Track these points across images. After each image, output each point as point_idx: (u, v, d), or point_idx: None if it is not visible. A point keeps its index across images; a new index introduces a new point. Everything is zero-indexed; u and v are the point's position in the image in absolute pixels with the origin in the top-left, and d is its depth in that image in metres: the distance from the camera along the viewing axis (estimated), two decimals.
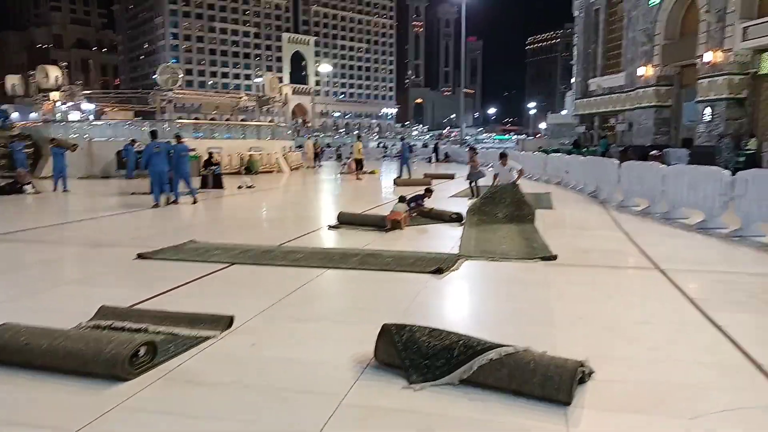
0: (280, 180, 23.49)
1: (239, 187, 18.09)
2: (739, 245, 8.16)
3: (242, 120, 33.71)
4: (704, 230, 9.28)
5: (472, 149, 17.16)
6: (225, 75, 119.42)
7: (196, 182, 18.27)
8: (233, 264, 6.81)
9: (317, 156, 34.16)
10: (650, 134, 28.30)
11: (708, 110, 23.91)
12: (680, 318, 4.74)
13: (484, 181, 14.49)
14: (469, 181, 15.00)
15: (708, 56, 23.49)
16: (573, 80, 39.17)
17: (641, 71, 28.31)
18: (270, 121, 34.11)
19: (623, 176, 13.30)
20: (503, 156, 11.62)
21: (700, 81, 24.36)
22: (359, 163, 23.28)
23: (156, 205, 13.02)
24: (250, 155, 25.74)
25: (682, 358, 3.84)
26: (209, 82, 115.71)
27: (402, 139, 27.23)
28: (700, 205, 9.90)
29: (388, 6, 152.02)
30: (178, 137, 14.55)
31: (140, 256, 7.24)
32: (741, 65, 22.96)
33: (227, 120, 31.01)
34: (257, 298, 5.30)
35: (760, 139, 22.27)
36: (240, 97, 35.83)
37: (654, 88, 27.87)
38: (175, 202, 13.68)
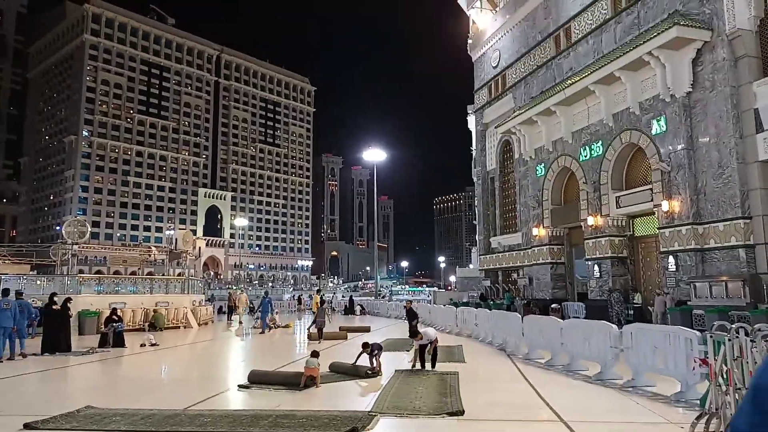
0: (188, 336, 22.40)
1: (142, 345, 17.07)
2: (632, 395, 8.74)
3: (149, 273, 32.69)
4: (601, 381, 9.88)
5: (323, 301, 20.78)
6: (135, 228, 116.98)
7: (94, 340, 17.13)
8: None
9: (231, 310, 33.05)
10: (549, 288, 30.37)
11: (596, 267, 26.39)
12: None
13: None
14: (315, 324, 18.81)
15: (590, 220, 26.54)
16: (477, 237, 42.17)
17: (535, 231, 31.19)
18: (179, 275, 33.33)
19: (527, 329, 14.07)
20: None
21: (586, 241, 27.17)
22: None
23: None
24: (155, 310, 24.63)
25: None
26: (117, 235, 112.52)
27: (266, 293, 27.75)
28: (595, 356, 10.63)
29: (305, 167, 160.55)
30: (18, 293, 14.79)
31: (27, 426, 6.58)
32: (619, 228, 26.05)
33: (132, 274, 29.98)
34: None
35: (643, 294, 24.62)
36: (149, 251, 35.10)
37: (547, 246, 30.57)
38: (23, 355, 13.65)
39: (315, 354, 10.09)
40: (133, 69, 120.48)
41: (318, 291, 28.20)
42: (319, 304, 22.20)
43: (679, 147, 21.47)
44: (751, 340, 5.67)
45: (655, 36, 21.28)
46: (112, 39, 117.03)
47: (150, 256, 34.36)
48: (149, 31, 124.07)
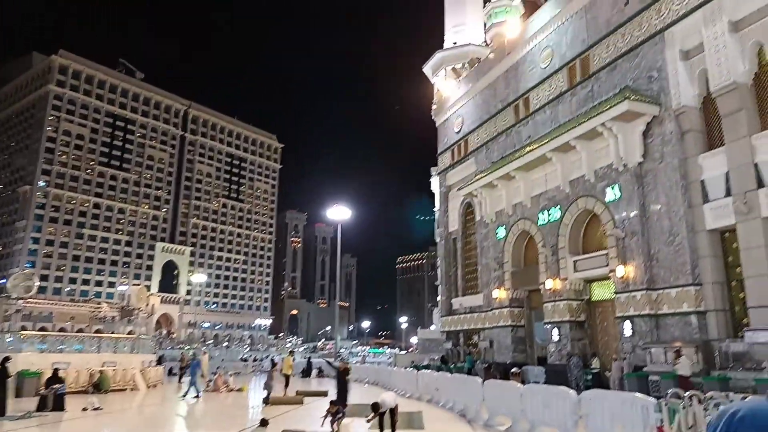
0: (135, 399, 21.19)
1: (84, 409, 16.02)
2: None
3: (97, 331, 31.18)
4: None
5: (274, 364, 20.31)
6: (86, 282, 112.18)
7: (33, 403, 16.00)
8: None
9: (183, 370, 31.54)
10: (509, 351, 30.26)
11: (555, 331, 26.55)
12: None
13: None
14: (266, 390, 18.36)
15: (549, 284, 26.92)
16: (439, 298, 42.11)
17: (496, 293, 31.38)
18: (129, 333, 31.92)
19: (487, 395, 13.87)
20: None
21: (545, 304, 27.45)
22: (287, 379, 21.79)
23: None
24: (101, 371, 23.32)
25: None
26: (66, 289, 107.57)
27: (193, 357, 26.28)
28: (555, 423, 10.50)
29: (268, 223, 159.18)
30: None
31: None
32: (576, 292, 26.47)
33: (79, 331, 28.56)
34: None
35: (602, 359, 24.77)
36: (99, 307, 33.65)
37: (508, 308, 30.71)
38: None
39: (263, 423, 9.55)
40: (98, 120, 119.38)
41: (291, 352, 27.33)
42: (291, 368, 21.71)
43: (633, 214, 22.31)
44: (704, 409, 5.73)
45: (607, 109, 22.50)
46: (78, 90, 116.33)
47: (100, 312, 32.88)
48: (117, 84, 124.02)
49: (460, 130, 38.77)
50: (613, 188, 23.35)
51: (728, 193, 19.21)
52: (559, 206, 26.71)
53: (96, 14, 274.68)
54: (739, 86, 18.97)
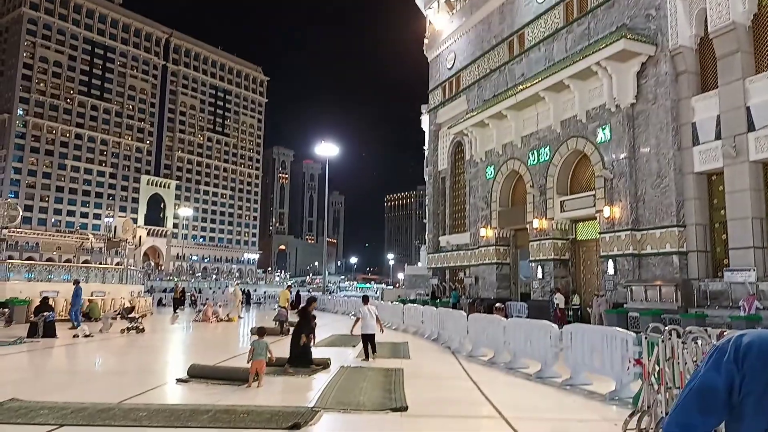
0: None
1: (75, 336, 16.29)
2: (570, 393, 9.01)
3: (85, 261, 31.27)
4: (541, 379, 10.14)
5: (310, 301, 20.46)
6: (71, 213, 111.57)
7: (24, 330, 16.22)
8: (63, 426, 6.04)
9: (178, 302, 32.00)
10: (494, 288, 31.03)
11: (540, 269, 27.15)
12: None
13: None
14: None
15: (536, 223, 27.27)
16: (426, 236, 42.60)
17: (483, 232, 31.78)
18: (117, 264, 32.10)
19: (471, 327, 14.29)
20: (366, 299, 13.86)
21: (531, 243, 27.91)
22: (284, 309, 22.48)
23: None
24: (90, 300, 23.58)
25: None
26: (51, 221, 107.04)
27: (75, 282, 21.94)
28: (536, 355, 10.90)
29: (254, 158, 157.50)
30: None
31: None
32: (562, 231, 26.89)
33: (67, 261, 28.63)
34: None
35: (583, 297, 25.51)
36: (85, 238, 33.58)
37: (494, 247, 31.23)
38: None
39: (260, 332, 9.69)
40: (75, 47, 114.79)
41: (289, 287, 27.85)
42: (288, 300, 22.37)
43: (622, 156, 22.32)
44: (682, 342, 5.93)
45: (603, 47, 22.02)
46: (53, 15, 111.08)
47: (87, 243, 32.86)
48: (94, 8, 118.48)
49: (452, 66, 37.90)
50: (604, 129, 23.24)
51: (718, 137, 19.22)
52: (549, 147, 26.62)
53: None
54: (737, 27, 18.58)
